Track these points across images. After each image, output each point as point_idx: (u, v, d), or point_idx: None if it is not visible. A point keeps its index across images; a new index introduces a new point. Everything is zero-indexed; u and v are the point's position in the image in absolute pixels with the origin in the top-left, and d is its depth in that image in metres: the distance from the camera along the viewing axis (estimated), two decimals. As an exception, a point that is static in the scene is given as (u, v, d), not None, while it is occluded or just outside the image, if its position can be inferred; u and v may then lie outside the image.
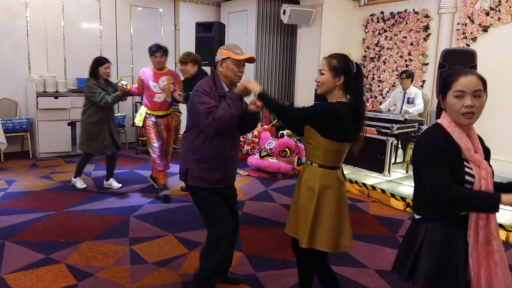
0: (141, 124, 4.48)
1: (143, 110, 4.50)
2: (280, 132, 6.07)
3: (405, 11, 6.64)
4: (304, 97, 7.39)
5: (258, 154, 5.90)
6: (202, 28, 6.17)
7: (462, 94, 1.60)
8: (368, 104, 6.68)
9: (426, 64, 6.44)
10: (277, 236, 3.63)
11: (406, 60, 6.70)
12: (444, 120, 1.67)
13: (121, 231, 3.66)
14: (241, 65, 2.43)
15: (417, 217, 1.76)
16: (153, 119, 4.44)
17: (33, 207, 4.14)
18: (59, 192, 4.65)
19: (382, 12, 7.00)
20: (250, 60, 2.43)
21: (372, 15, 7.16)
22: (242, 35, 7.83)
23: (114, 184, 4.86)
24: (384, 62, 7.04)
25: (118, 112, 7.25)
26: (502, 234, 3.62)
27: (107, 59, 4.56)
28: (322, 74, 2.13)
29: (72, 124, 6.38)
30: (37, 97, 6.04)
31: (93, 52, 7.02)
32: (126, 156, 6.60)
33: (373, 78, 7.27)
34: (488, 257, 1.60)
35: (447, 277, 1.62)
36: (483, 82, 1.62)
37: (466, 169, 1.60)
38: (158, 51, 4.32)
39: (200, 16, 7.99)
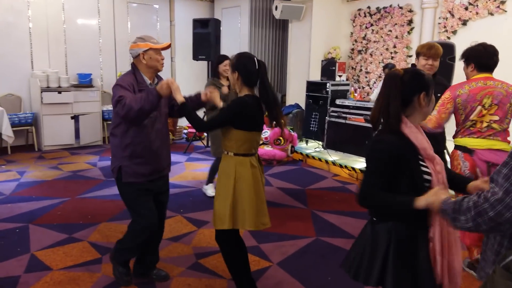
0: None
1: None
2: (274, 122, 6.42)
3: (390, 6, 7.01)
4: (295, 88, 7.75)
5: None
6: (199, 24, 6.49)
7: None
8: (356, 94, 7.07)
9: (410, 56, 6.83)
10: (274, 214, 4.01)
11: (391, 53, 7.09)
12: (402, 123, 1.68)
13: (134, 213, 4.01)
14: (161, 53, 2.54)
15: (375, 218, 1.72)
16: None
17: (49, 194, 4.46)
18: (70, 181, 4.97)
19: (368, 7, 7.36)
20: (168, 47, 2.55)
21: (359, 9, 7.52)
22: (235, 30, 8.15)
23: (210, 191, 4.43)
24: (371, 55, 7.42)
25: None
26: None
27: (226, 56, 4.03)
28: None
29: (75, 117, 6.66)
30: (41, 92, 6.31)
31: (92, 48, 7.33)
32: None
33: (360, 70, 7.64)
34: (449, 249, 1.61)
35: (417, 277, 1.61)
36: None
37: (423, 168, 1.63)
38: None
39: (195, 11, 8.28)
